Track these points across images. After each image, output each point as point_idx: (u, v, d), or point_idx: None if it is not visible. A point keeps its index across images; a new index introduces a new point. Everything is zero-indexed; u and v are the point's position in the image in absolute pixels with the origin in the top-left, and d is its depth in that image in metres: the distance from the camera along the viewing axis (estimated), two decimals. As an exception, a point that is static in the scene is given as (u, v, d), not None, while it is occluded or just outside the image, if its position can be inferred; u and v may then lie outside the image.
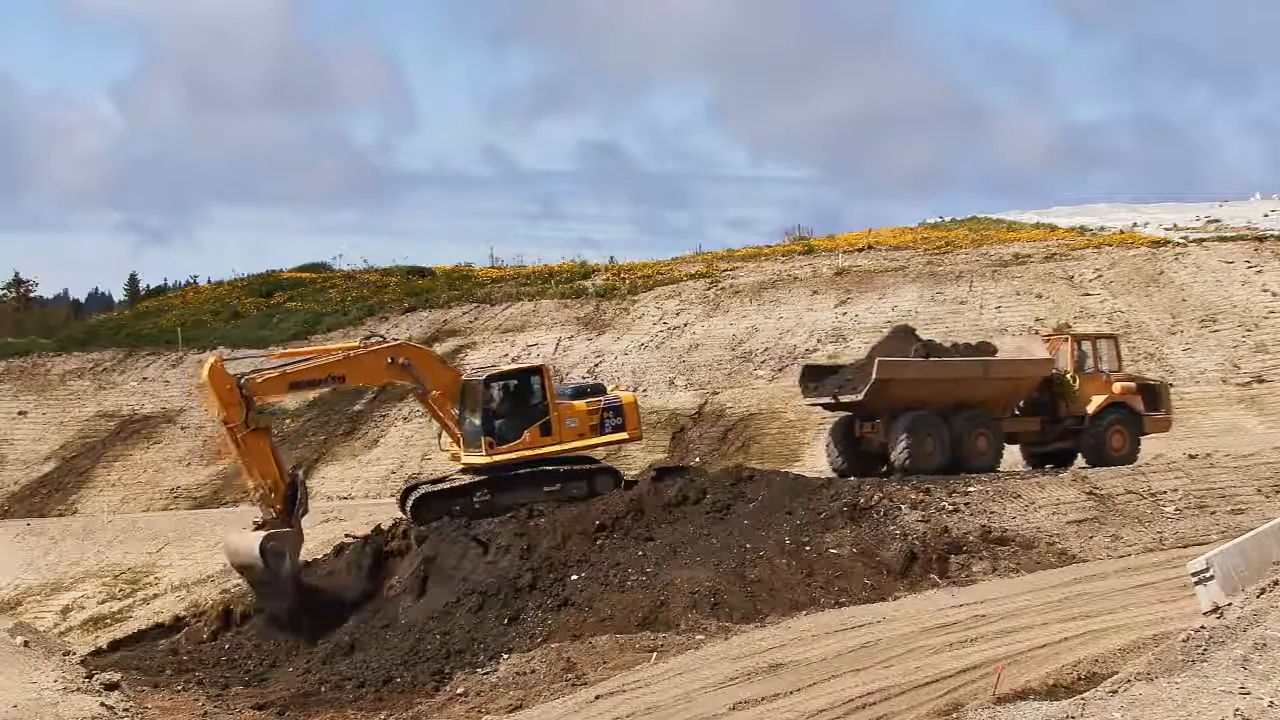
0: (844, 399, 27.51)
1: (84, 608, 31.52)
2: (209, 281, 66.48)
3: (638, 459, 34.42)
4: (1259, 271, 42.93)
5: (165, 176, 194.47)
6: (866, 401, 27.00)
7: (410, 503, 27.17)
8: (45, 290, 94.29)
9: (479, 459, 26.69)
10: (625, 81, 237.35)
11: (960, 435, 27.13)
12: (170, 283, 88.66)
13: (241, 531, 26.46)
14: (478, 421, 26.54)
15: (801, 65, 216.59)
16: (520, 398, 27.09)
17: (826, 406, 28.68)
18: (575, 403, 26.98)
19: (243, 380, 25.49)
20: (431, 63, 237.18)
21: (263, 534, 25.32)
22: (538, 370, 27.90)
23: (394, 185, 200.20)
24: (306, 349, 28.85)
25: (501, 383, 27.47)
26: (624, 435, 27.11)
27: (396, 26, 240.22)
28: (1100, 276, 44.05)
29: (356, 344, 28.03)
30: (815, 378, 28.88)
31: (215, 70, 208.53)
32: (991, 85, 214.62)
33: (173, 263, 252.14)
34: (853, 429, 28.21)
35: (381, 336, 29.38)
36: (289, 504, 25.62)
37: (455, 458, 27.54)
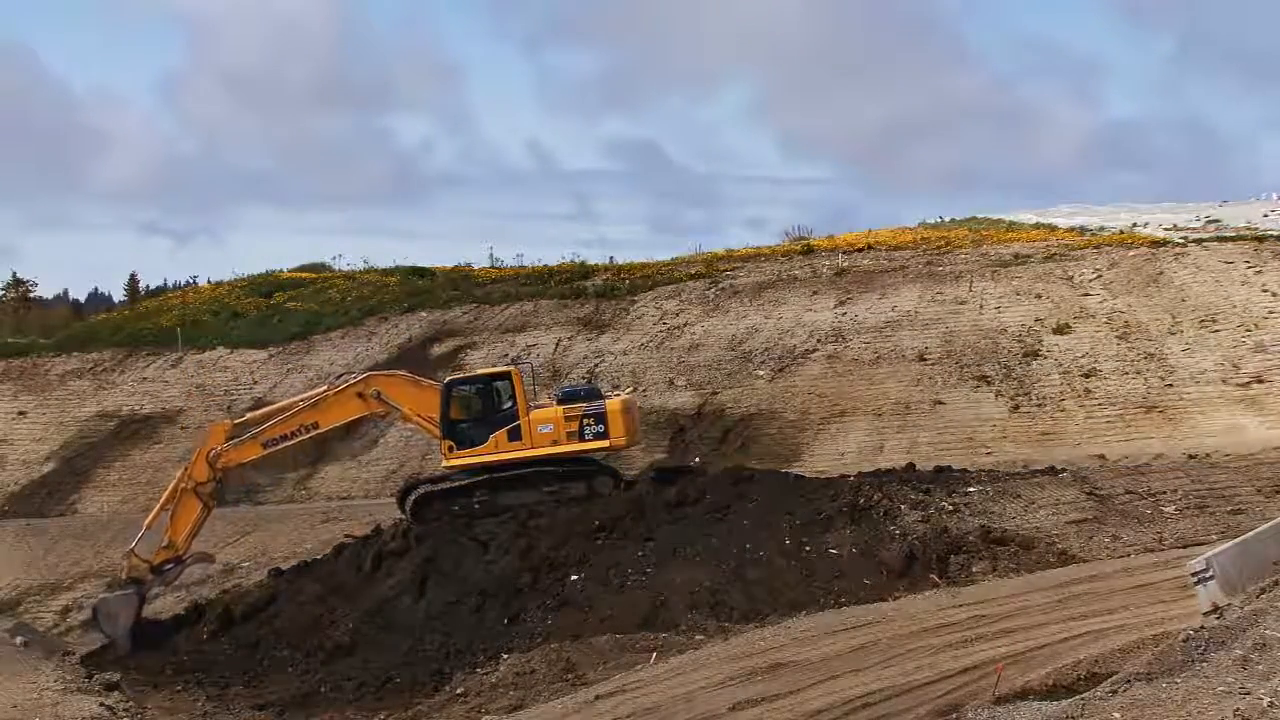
0: None
1: (84, 608, 31.40)
2: (209, 281, 66.48)
3: (638, 459, 34.34)
4: (1259, 272, 42.80)
5: (203, 175, 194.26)
6: None
7: (409, 503, 27.20)
8: (45, 290, 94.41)
9: (444, 462, 26.99)
10: (668, 81, 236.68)
11: None
12: (170, 283, 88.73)
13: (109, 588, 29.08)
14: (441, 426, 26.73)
15: (843, 65, 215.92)
16: (487, 403, 26.99)
17: None
18: (554, 408, 26.82)
19: (214, 453, 26.57)
20: (473, 62, 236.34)
21: (102, 596, 27.71)
22: (505, 375, 27.51)
23: (431, 186, 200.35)
24: (277, 404, 29.09)
25: (464, 388, 27.47)
26: (605, 443, 26.49)
27: (438, 26, 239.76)
28: (1100, 276, 43.95)
29: (324, 388, 28.28)
30: None
31: (259, 69, 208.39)
32: (1028, 84, 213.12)
33: (204, 262, 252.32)
34: None
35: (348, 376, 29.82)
36: (160, 568, 26.91)
37: None
